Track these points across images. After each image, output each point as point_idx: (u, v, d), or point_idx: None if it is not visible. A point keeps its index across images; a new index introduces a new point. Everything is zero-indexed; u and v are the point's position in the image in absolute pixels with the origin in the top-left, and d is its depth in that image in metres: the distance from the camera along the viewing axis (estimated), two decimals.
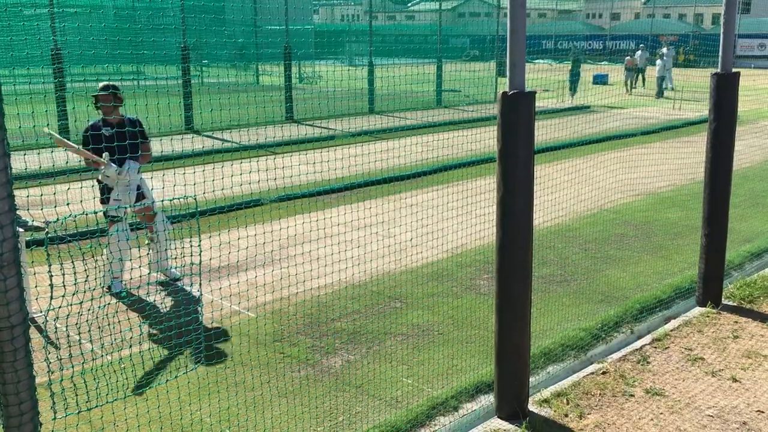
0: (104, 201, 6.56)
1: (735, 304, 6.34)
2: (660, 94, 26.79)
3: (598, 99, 24.72)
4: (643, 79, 30.41)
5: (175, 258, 6.91)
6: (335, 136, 15.40)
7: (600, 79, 30.70)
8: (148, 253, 6.92)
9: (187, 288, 6.69)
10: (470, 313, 6.17)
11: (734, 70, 6.09)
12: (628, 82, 28.88)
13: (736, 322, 5.96)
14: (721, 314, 6.11)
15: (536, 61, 35.62)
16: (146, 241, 6.97)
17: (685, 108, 21.81)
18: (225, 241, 7.36)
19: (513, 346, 4.41)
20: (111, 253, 6.38)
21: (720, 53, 6.03)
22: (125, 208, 6.48)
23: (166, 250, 6.73)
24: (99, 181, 6.55)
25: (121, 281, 6.59)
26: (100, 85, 6.64)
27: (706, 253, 6.26)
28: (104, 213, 6.40)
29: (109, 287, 6.44)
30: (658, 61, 27.25)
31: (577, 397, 4.71)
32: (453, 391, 4.77)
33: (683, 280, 6.86)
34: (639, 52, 30.45)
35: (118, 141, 6.31)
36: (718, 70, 6.06)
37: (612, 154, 11.69)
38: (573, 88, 24.75)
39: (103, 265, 6.44)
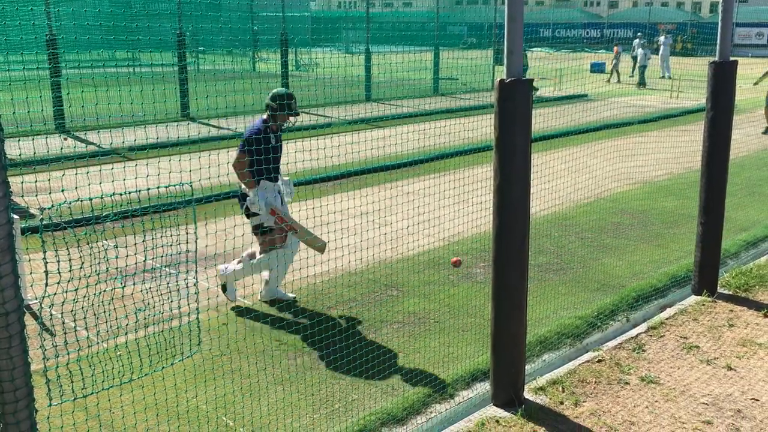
0: (250, 214, 6.00)
1: (730, 292, 6.36)
2: (642, 83, 26.40)
3: (595, 87, 24.68)
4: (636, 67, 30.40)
5: (171, 246, 6.89)
6: (332, 124, 15.34)
7: (597, 68, 30.63)
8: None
9: (183, 275, 6.68)
10: (466, 301, 6.17)
11: (732, 58, 6.07)
12: (614, 72, 28.53)
13: (732, 310, 5.97)
14: (716, 303, 6.13)
15: (533, 49, 35.50)
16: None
17: (682, 97, 21.78)
18: (221, 229, 7.34)
19: (509, 334, 4.41)
20: (278, 263, 5.92)
21: (718, 42, 6.01)
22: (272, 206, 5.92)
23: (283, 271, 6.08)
24: (243, 196, 5.98)
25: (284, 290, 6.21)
26: (282, 91, 5.97)
27: (702, 242, 6.26)
28: (257, 226, 5.95)
29: (277, 299, 6.07)
30: (639, 50, 26.85)
31: (572, 385, 4.72)
32: (449, 379, 4.78)
33: (679, 269, 6.87)
34: (636, 41, 30.34)
35: (278, 152, 5.91)
36: (716, 59, 6.04)
37: (609, 143, 11.68)
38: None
39: (269, 278, 6.07)
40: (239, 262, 6.19)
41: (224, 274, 6.11)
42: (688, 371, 4.93)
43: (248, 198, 5.89)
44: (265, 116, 6.01)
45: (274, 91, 6.02)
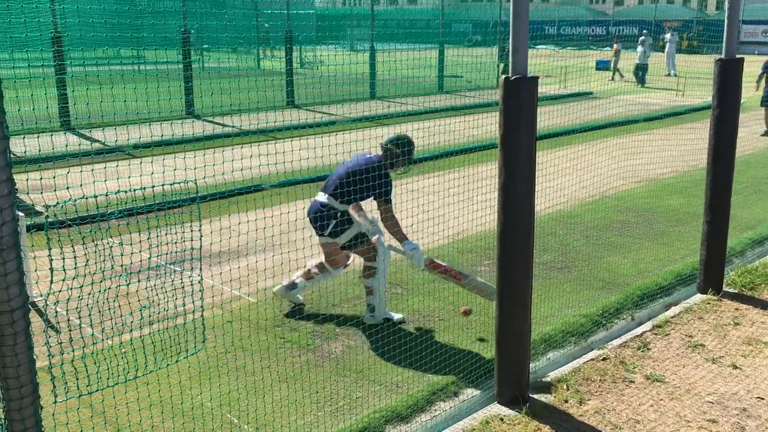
0: (338, 232, 5.61)
1: (736, 291, 6.34)
2: (642, 82, 25.92)
3: (600, 85, 24.62)
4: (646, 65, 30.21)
5: (176, 243, 6.90)
6: (336, 122, 15.35)
7: (603, 65, 30.53)
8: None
9: (188, 273, 6.69)
10: (471, 299, 6.16)
11: (738, 56, 6.04)
12: (615, 70, 28.19)
13: (737, 309, 5.95)
14: (722, 301, 6.11)
15: (539, 46, 35.44)
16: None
17: (688, 94, 21.71)
18: (225, 226, 7.36)
19: (513, 332, 4.40)
20: (381, 278, 5.62)
21: (724, 39, 5.99)
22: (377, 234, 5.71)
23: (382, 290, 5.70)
24: (328, 216, 5.61)
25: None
26: (401, 136, 5.69)
27: (707, 240, 6.24)
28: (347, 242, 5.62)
29: (387, 319, 5.69)
30: (639, 48, 26.24)
31: (577, 383, 4.71)
32: (453, 377, 4.78)
33: (684, 267, 6.85)
34: (642, 38, 30.21)
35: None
36: (722, 56, 6.02)
37: (614, 141, 11.65)
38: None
39: (375, 297, 5.69)
40: (308, 278, 5.96)
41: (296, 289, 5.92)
42: (694, 370, 4.92)
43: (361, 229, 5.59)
44: (380, 155, 5.65)
45: (397, 134, 5.71)
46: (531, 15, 4.19)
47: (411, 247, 5.58)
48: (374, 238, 5.60)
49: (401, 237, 5.61)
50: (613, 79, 27.62)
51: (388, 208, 5.51)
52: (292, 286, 5.97)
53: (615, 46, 28.84)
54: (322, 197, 5.69)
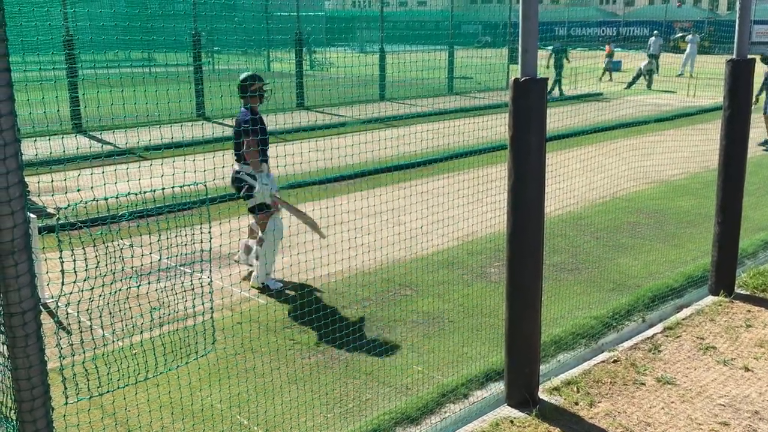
0: (246, 195, 6.30)
1: (748, 292, 6.30)
2: (649, 85, 25.24)
3: (609, 85, 24.53)
4: (657, 66, 29.99)
5: (186, 245, 6.92)
6: (346, 123, 15.36)
7: (613, 66, 30.36)
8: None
9: (198, 275, 6.71)
10: (481, 300, 6.15)
11: (749, 56, 6.01)
12: (606, 71, 27.70)
13: (749, 311, 5.91)
14: (733, 303, 6.07)
15: (549, 47, 35.37)
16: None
17: (699, 95, 21.60)
18: (235, 228, 7.37)
19: (523, 334, 4.39)
20: (267, 249, 6.20)
21: (735, 39, 5.95)
22: (273, 194, 6.31)
23: (273, 253, 6.39)
24: (236, 179, 6.33)
25: (275, 278, 6.50)
26: (249, 75, 6.35)
27: (719, 242, 6.21)
28: (253, 208, 6.31)
29: (266, 286, 6.34)
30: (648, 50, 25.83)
31: (587, 386, 4.69)
32: (463, 379, 4.77)
33: (696, 269, 6.81)
34: (653, 39, 30.04)
35: (266, 134, 6.26)
36: (734, 57, 5.99)
37: (625, 142, 11.61)
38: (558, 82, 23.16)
39: (258, 264, 6.34)
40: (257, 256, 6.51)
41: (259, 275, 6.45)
42: (705, 372, 4.89)
43: (256, 188, 6.21)
44: (243, 105, 6.32)
45: (241, 76, 6.39)
46: (540, 16, 4.18)
47: (261, 182, 6.21)
48: (261, 193, 6.26)
49: (255, 168, 6.20)
50: (601, 79, 27.20)
51: (247, 141, 6.11)
52: (258, 270, 6.44)
53: (608, 47, 28.53)
54: (236, 165, 6.34)
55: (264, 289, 6.36)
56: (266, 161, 6.38)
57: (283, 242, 6.79)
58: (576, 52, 31.04)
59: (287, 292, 6.31)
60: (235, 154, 6.24)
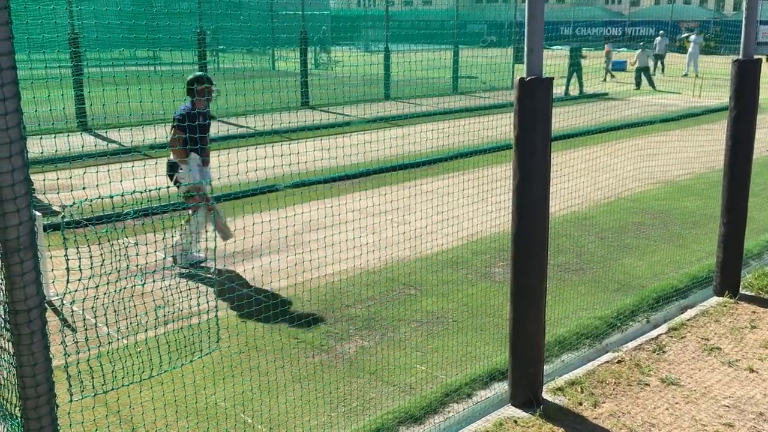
0: (173, 179, 6.87)
1: (753, 293, 6.28)
2: (638, 86, 24.89)
3: (614, 85, 24.49)
4: (663, 67, 29.92)
5: (191, 243, 6.95)
6: (351, 122, 15.36)
7: (618, 66, 30.32)
8: (173, 236, 7.06)
9: (203, 273, 6.72)
10: (485, 300, 6.15)
11: (756, 57, 5.99)
12: (606, 72, 27.48)
13: (754, 312, 5.90)
14: (738, 304, 6.05)
15: (554, 47, 35.30)
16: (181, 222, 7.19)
17: (705, 95, 21.55)
18: (240, 227, 7.38)
19: (527, 334, 4.39)
20: (193, 228, 6.77)
21: (742, 40, 5.94)
22: (202, 183, 6.82)
23: (198, 233, 6.98)
24: (170, 165, 6.88)
25: (187, 259, 6.97)
26: (198, 75, 6.90)
27: (724, 242, 6.19)
28: (183, 194, 6.86)
29: (174, 259, 6.90)
30: (638, 51, 25.09)
31: (591, 386, 4.69)
32: (467, 379, 4.77)
33: (700, 270, 6.80)
34: (658, 39, 29.95)
35: (203, 133, 6.78)
36: (740, 57, 5.97)
37: (630, 142, 11.58)
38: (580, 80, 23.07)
39: (178, 242, 6.82)
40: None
41: (190, 252, 7.01)
42: (710, 373, 4.88)
43: (179, 171, 6.80)
44: (189, 101, 6.91)
45: (191, 76, 6.91)
46: (546, 15, 4.18)
47: (187, 170, 6.77)
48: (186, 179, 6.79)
49: (176, 156, 6.78)
50: (605, 79, 27.04)
51: (174, 132, 6.74)
52: (184, 249, 6.89)
53: (606, 47, 28.39)
54: (172, 155, 6.89)
55: (188, 267, 6.84)
56: (200, 153, 6.86)
57: (288, 240, 6.79)
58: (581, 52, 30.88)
59: (290, 290, 6.31)
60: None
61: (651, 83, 24.91)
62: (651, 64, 25.76)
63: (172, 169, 6.88)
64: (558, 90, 22.01)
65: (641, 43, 26.45)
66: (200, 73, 7.04)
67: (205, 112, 6.94)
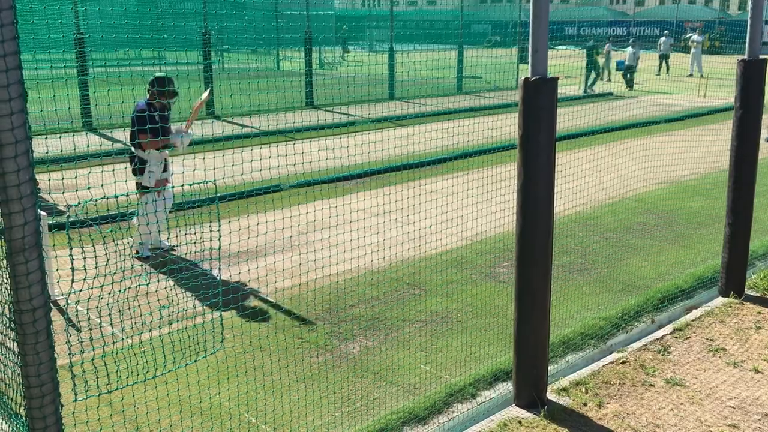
0: (136, 171, 6.98)
1: (758, 294, 6.26)
2: (630, 84, 24.68)
3: (620, 85, 24.43)
4: (668, 67, 29.82)
5: (195, 243, 6.95)
6: (355, 122, 15.37)
7: (621, 66, 30.20)
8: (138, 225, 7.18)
9: (207, 273, 6.73)
10: (489, 300, 6.14)
11: (762, 56, 5.97)
12: (605, 70, 27.30)
13: (759, 312, 5.88)
14: (743, 305, 6.04)
15: (558, 47, 35.26)
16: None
17: (710, 95, 21.49)
18: (244, 227, 7.39)
19: (532, 334, 4.38)
20: (141, 220, 6.86)
21: (747, 39, 5.92)
22: (160, 178, 7.04)
23: (166, 220, 7.21)
24: (132, 158, 7.05)
25: (148, 248, 7.14)
26: (160, 76, 6.99)
27: (729, 243, 6.17)
28: (139, 184, 6.98)
29: (137, 252, 7.04)
30: (629, 49, 24.92)
31: (596, 386, 4.68)
32: (471, 379, 4.76)
33: (705, 270, 6.78)
34: (663, 39, 29.86)
35: (164, 123, 6.87)
36: (745, 57, 5.95)
37: (635, 142, 11.57)
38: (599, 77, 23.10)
39: (135, 234, 6.98)
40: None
41: (159, 241, 7.24)
42: (715, 374, 4.86)
43: (146, 167, 6.93)
44: (147, 98, 7.03)
45: (153, 77, 6.98)
46: (551, 15, 4.17)
47: (151, 166, 6.93)
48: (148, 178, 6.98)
49: (164, 145, 6.90)
50: (602, 78, 26.86)
51: (143, 136, 6.83)
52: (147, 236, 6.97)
53: (606, 46, 28.25)
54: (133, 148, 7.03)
55: (142, 258, 7.01)
56: (161, 150, 6.98)
57: (292, 240, 6.80)
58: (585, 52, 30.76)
59: (294, 290, 6.32)
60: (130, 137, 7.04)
61: (629, 83, 24.76)
62: (635, 64, 25.58)
63: (132, 160, 7.05)
64: (572, 90, 21.97)
65: (630, 40, 26.31)
66: (162, 74, 7.10)
67: (164, 110, 7.00)
